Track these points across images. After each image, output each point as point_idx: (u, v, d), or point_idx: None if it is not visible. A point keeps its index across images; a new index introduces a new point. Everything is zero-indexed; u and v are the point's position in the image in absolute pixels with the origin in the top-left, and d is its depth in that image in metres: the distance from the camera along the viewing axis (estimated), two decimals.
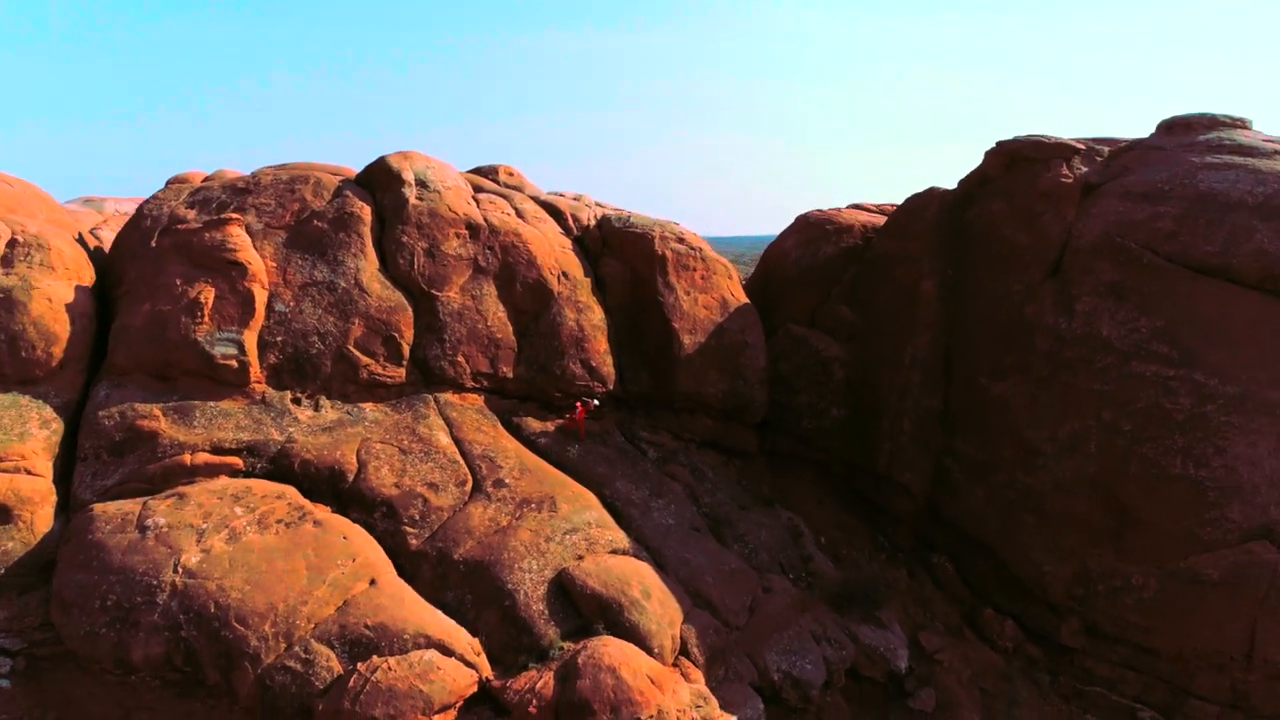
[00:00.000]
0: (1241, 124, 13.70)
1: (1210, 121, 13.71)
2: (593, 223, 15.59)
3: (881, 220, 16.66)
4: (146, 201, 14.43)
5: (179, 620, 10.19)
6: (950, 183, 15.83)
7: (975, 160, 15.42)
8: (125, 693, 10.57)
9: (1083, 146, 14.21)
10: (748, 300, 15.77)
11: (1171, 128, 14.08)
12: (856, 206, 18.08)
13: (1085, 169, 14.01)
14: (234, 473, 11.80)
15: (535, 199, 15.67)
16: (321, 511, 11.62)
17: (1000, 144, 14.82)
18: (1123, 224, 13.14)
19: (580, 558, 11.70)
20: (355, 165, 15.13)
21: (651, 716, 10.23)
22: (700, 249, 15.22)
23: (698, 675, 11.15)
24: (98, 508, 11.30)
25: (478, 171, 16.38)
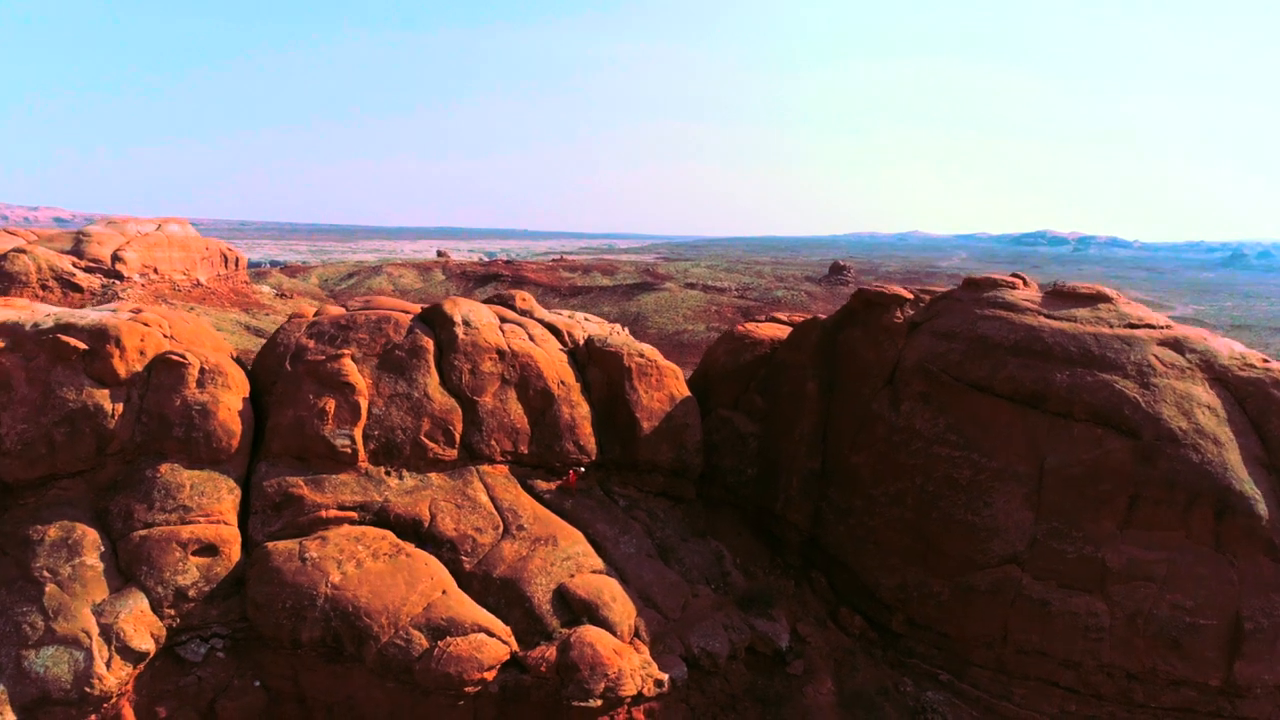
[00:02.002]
0: (1011, 284, 20.45)
1: (991, 283, 20.49)
2: (582, 339, 22.32)
3: (784, 334, 23.44)
4: (278, 331, 21.05)
5: (329, 615, 16.86)
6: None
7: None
8: (296, 659, 17.21)
9: (911, 296, 20.99)
10: (689, 393, 22.52)
11: (967, 285, 20.86)
12: (772, 320, 24.84)
13: (912, 312, 20.78)
14: (353, 522, 18.49)
15: (541, 321, 22.39)
16: (409, 547, 18.29)
17: (860, 291, 21.63)
18: (930, 354, 19.91)
19: (572, 575, 18.39)
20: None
21: (615, 672, 16.91)
22: (655, 361, 21.94)
23: (645, 649, 17.81)
24: (269, 545, 17.97)
25: (498, 299, 23.11)
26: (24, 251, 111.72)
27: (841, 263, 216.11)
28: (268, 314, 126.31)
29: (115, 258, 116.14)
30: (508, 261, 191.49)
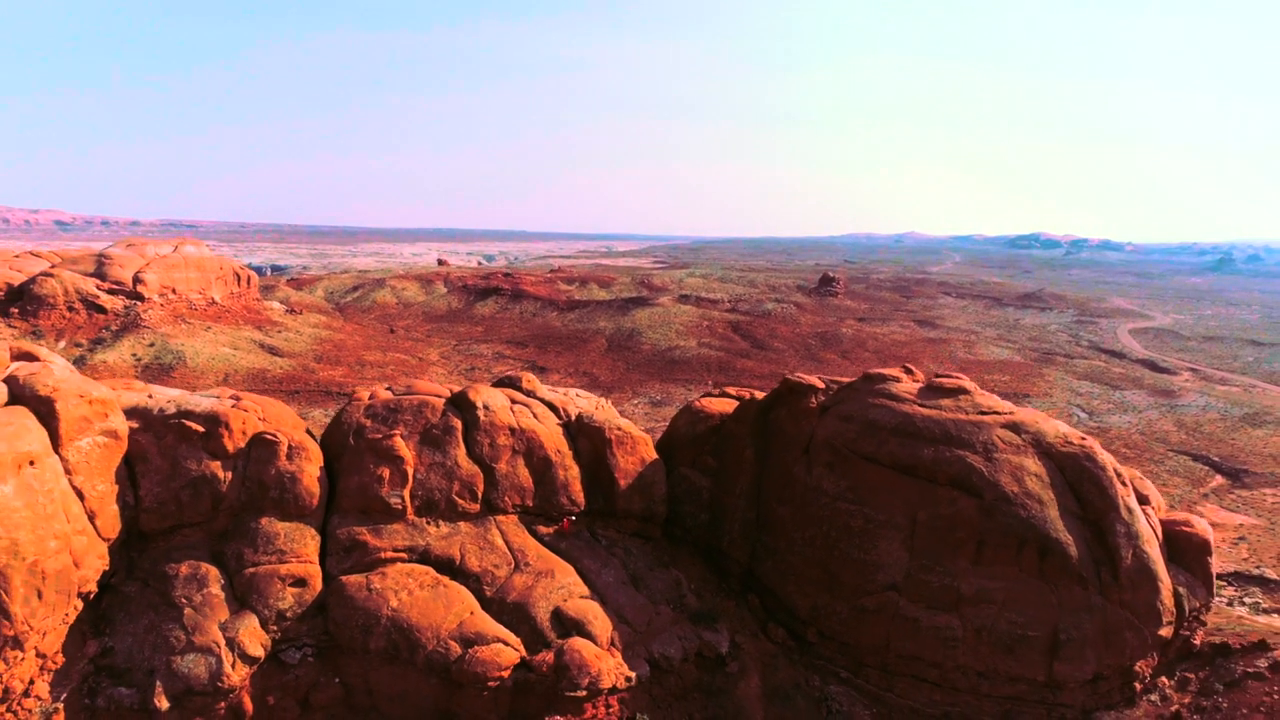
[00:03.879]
0: (897, 378, 26.98)
1: (881, 378, 27.05)
2: (574, 414, 28.82)
3: (731, 409, 29.99)
4: (341, 411, 27.49)
5: (390, 630, 23.34)
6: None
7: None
8: (365, 662, 23.64)
9: (823, 385, 27.53)
10: (657, 456, 29.03)
11: (865, 378, 27.39)
12: (723, 394, 31.36)
13: (824, 398, 27.32)
14: (404, 561, 24.98)
15: (542, 400, 28.89)
16: (445, 580, 24.77)
17: (785, 380, 28.16)
18: (834, 432, 26.45)
19: (566, 600, 24.90)
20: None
21: (596, 671, 23.39)
22: (630, 432, 28.43)
23: (619, 655, 24.30)
24: (344, 578, 24.44)
25: (508, 381, 29.59)
26: (51, 275, 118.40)
27: (831, 274, 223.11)
28: (279, 330, 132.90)
29: (136, 279, 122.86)
30: (506, 274, 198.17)
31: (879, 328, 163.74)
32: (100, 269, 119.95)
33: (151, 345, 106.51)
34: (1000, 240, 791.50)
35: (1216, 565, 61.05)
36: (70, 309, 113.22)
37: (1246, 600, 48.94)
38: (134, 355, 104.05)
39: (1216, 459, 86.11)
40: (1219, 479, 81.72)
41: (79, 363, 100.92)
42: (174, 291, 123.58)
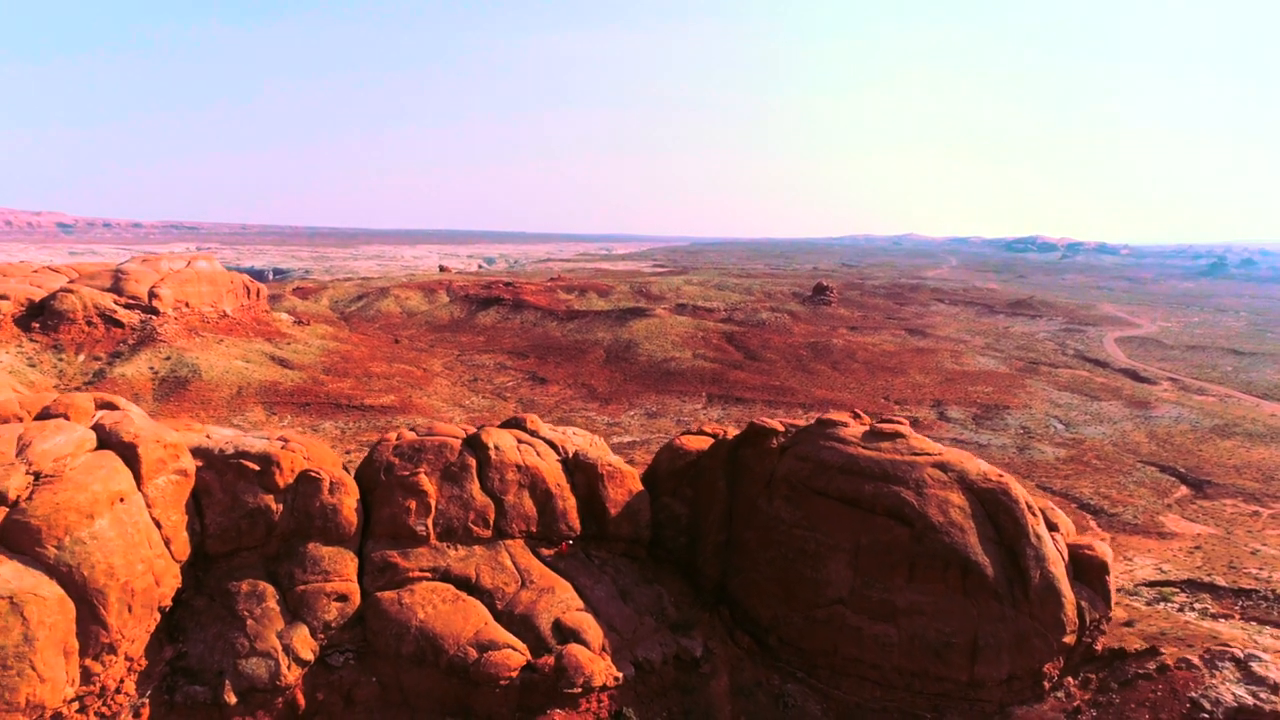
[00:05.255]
0: (845, 424, 31.70)
1: (832, 423, 31.78)
2: (572, 451, 33.54)
3: (707, 446, 34.74)
4: (373, 450, 32.19)
5: (419, 638, 28.06)
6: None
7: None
8: (397, 665, 28.30)
9: (783, 429, 32.25)
10: (642, 487, 33.77)
11: (819, 423, 32.14)
12: (700, 433, 36.13)
13: (784, 439, 32.06)
14: (429, 580, 29.71)
15: (544, 439, 33.60)
16: (463, 595, 29.48)
17: (751, 424, 32.93)
18: (791, 470, 31.21)
19: (564, 613, 29.62)
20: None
21: (590, 673, 28.11)
22: (619, 467, 33.14)
23: (608, 658, 29.01)
24: (379, 594, 29.15)
25: (514, 422, 34.31)
26: (71, 291, 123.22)
27: (825, 283, 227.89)
28: (289, 342, 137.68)
29: (151, 294, 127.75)
30: (507, 284, 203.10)
31: (870, 337, 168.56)
32: (117, 284, 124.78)
33: (167, 359, 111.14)
34: (998, 243, 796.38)
35: (1174, 574, 66.03)
36: (89, 323, 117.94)
37: (1196, 606, 54.14)
38: (151, 368, 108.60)
39: (1183, 470, 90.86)
40: (1183, 489, 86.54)
41: (98, 376, 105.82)
42: (187, 305, 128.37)
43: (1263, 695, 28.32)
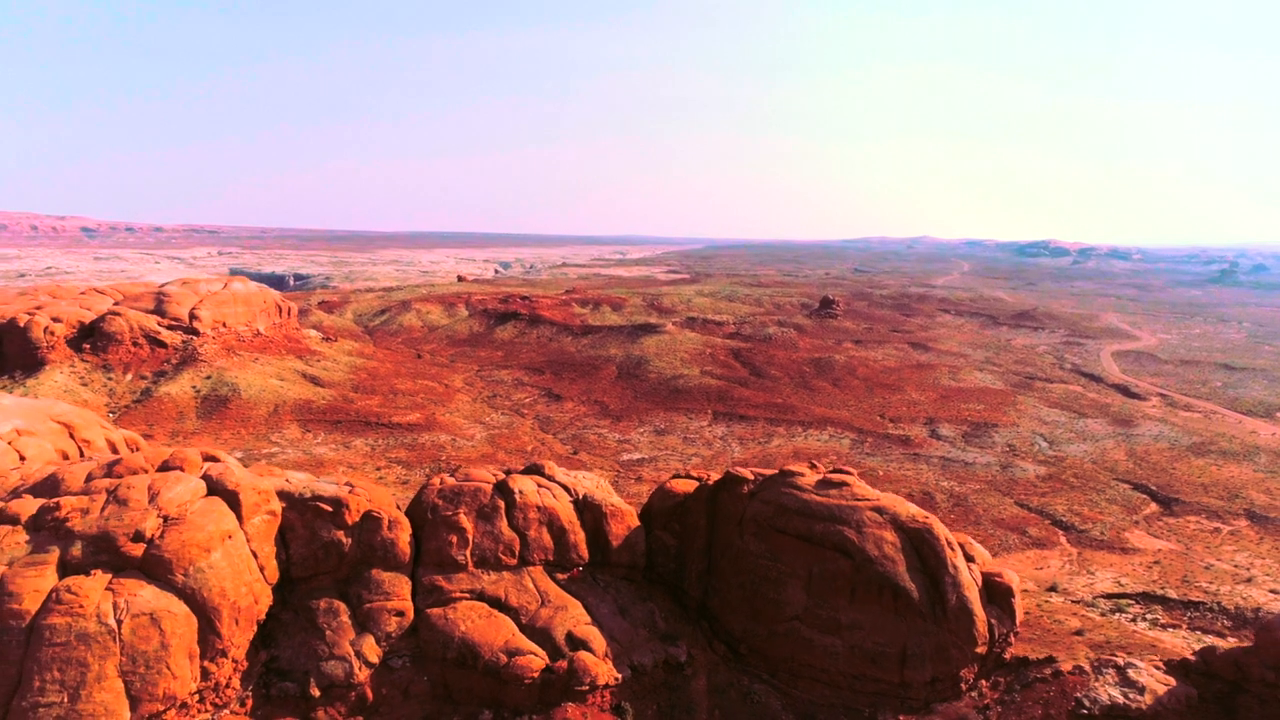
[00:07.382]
0: (803, 474, 39.01)
1: (791, 474, 39.13)
2: (582, 493, 41.06)
3: (693, 489, 42.18)
4: (421, 491, 39.83)
5: (461, 647, 35.62)
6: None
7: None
8: (444, 667, 35.85)
9: (752, 477, 39.62)
10: (639, 524, 41.23)
11: (781, 473, 39.48)
12: (687, 477, 43.53)
13: (753, 486, 39.45)
14: (468, 600, 37.31)
15: (560, 483, 41.12)
16: (495, 612, 37.02)
17: (727, 472, 40.31)
18: (758, 511, 38.59)
19: (575, 626, 37.14)
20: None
21: (595, 674, 35.62)
22: (620, 507, 40.61)
23: (610, 663, 36.47)
24: (428, 611, 36.75)
25: (534, 468, 41.83)
26: (119, 314, 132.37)
27: (831, 296, 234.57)
28: (319, 359, 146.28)
29: (192, 315, 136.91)
30: (523, 298, 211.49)
31: (873, 351, 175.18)
32: (160, 305, 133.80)
33: (208, 378, 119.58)
34: (1011, 247, 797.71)
35: (1131, 587, 73.14)
36: (135, 344, 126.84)
37: (1148, 617, 61.57)
38: (194, 388, 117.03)
39: (1154, 488, 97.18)
40: (1153, 506, 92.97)
41: (145, 395, 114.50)
42: (225, 325, 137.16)
43: (1133, 696, 35.47)
